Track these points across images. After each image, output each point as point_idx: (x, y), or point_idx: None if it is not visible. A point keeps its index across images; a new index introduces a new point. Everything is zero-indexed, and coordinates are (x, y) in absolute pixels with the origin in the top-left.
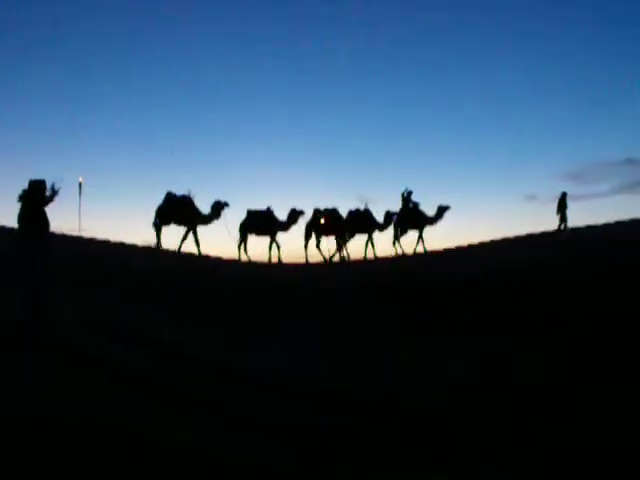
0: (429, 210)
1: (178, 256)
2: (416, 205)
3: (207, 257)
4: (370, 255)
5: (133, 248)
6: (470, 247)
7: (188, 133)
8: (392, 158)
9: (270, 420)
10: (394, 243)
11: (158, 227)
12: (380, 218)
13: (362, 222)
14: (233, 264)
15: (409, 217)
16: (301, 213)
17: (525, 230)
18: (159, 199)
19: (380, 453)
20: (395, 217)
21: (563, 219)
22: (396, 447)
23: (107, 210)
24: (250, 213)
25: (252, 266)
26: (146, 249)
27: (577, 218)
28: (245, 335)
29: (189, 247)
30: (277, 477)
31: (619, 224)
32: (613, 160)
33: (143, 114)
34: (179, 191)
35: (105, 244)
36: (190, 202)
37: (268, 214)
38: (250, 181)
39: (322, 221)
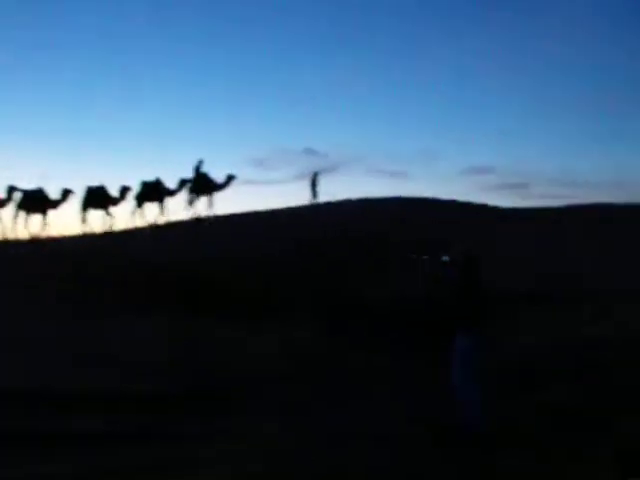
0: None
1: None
2: (205, 174)
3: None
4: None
5: None
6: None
7: None
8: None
9: None
10: (188, 207)
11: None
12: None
13: (154, 191)
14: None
15: (201, 184)
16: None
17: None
18: None
19: None
20: (188, 184)
21: (314, 195)
22: None
23: None
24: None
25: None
26: None
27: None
28: None
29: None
30: None
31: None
32: (294, 149)
33: None
34: None
35: None
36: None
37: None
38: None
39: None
